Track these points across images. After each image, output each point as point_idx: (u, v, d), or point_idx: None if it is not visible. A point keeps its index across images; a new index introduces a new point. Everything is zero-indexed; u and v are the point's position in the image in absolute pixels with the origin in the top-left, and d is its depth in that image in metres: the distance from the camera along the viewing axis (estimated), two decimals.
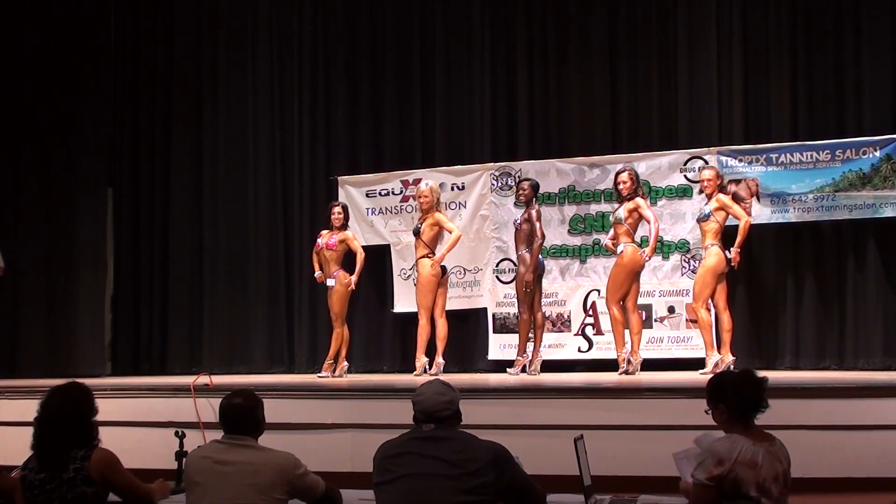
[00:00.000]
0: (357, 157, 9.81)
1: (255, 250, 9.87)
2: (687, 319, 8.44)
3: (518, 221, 8.13)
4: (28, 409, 4.09)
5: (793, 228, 8.42)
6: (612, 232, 7.98)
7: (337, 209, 8.51)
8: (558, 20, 9.37)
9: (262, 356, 9.69)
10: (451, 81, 9.59)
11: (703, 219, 7.69)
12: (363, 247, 8.63)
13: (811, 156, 8.22)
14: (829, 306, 8.35)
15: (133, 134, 10.16)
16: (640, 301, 8.02)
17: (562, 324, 8.87)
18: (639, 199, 7.75)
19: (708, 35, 8.90)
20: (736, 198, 8.10)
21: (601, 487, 4.27)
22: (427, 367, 8.08)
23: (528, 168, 8.96)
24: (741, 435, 3.56)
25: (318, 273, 8.49)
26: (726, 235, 7.64)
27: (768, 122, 8.72)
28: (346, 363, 8.46)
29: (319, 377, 8.32)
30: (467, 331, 9.21)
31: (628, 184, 7.74)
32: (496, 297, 9.08)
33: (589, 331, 8.80)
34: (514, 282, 8.39)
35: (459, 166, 9.29)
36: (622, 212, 7.78)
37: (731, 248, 7.55)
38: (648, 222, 7.69)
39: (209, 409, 6.17)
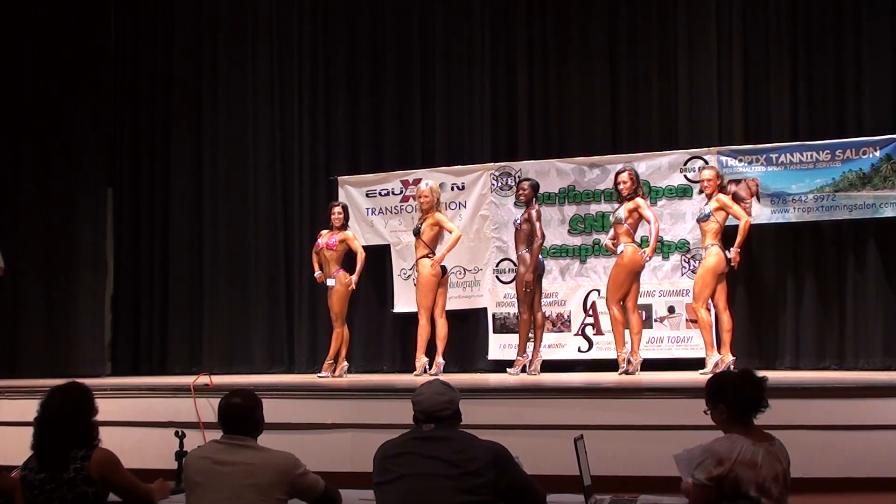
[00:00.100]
0: (357, 157, 9.81)
1: (255, 250, 9.87)
2: (687, 319, 8.44)
3: (518, 221, 8.13)
4: (28, 409, 4.09)
5: (793, 228, 8.42)
6: (612, 232, 7.98)
7: (337, 209, 8.51)
8: (558, 20, 9.37)
9: (262, 356, 9.69)
10: (451, 81, 9.59)
11: (703, 219, 7.69)
12: (363, 247, 8.63)
13: (811, 156, 8.22)
14: (829, 306, 8.35)
15: (133, 134, 10.16)
16: (640, 301, 8.02)
17: (562, 324, 8.87)
18: (639, 199, 7.75)
19: (708, 35, 8.90)
20: (736, 198, 8.10)
21: (601, 487, 4.27)
22: (427, 367, 8.08)
23: (528, 168, 8.96)
24: (741, 435, 3.56)
25: (317, 273, 8.49)
26: (726, 235, 7.64)
27: (768, 122, 8.72)
28: (346, 363, 8.46)
29: (319, 377, 8.32)
30: (467, 331, 9.21)
31: (628, 184, 7.74)
32: (496, 297, 9.08)
33: (589, 331, 8.80)
34: (514, 282, 8.39)
35: (459, 166, 9.29)
36: (622, 212, 7.78)
37: (731, 248, 7.54)
38: (648, 222, 7.69)
39: (209, 409, 6.16)
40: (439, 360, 8.13)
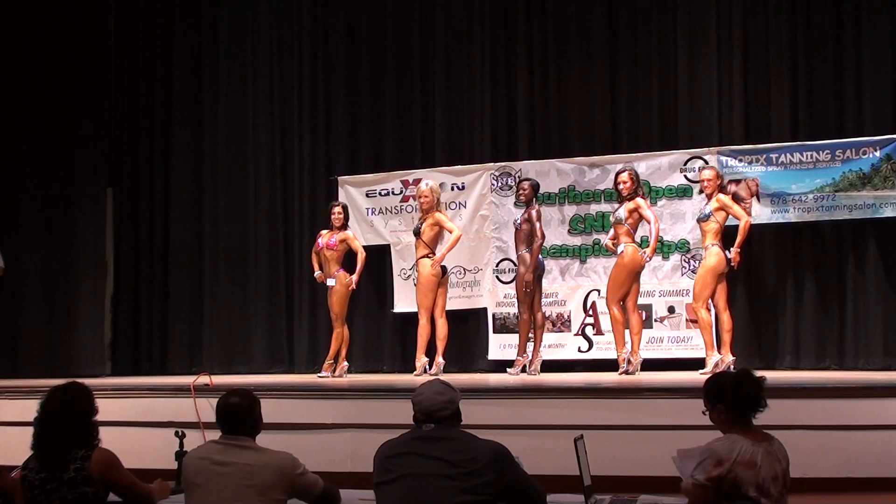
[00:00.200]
0: (357, 157, 9.81)
1: (255, 250, 9.87)
2: (687, 319, 8.44)
3: (518, 221, 8.13)
4: (28, 409, 4.09)
5: (793, 228, 8.42)
6: (612, 232, 7.98)
7: (337, 209, 8.51)
8: (558, 20, 9.38)
9: (262, 356, 9.69)
10: (451, 81, 9.59)
11: (703, 219, 7.69)
12: (363, 247, 8.62)
13: (811, 156, 8.22)
14: (829, 306, 8.35)
15: (133, 134, 10.17)
16: (640, 301, 8.01)
17: (562, 324, 8.87)
18: (639, 200, 7.75)
19: (708, 35, 8.91)
20: (736, 198, 8.11)
21: (601, 487, 4.27)
22: (427, 367, 8.08)
23: (528, 168, 8.96)
24: (740, 435, 3.56)
25: (317, 273, 8.49)
26: (726, 235, 7.64)
27: (768, 122, 8.73)
28: (346, 363, 8.46)
29: (319, 377, 8.32)
30: (467, 331, 9.21)
31: (628, 184, 7.74)
32: (496, 297, 9.08)
33: (589, 331, 8.80)
34: (514, 282, 8.39)
35: (459, 166, 9.29)
36: (622, 212, 7.77)
37: (731, 248, 7.54)
38: (649, 222, 7.69)
39: (209, 409, 6.13)
40: (439, 360, 8.13)
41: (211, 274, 9.91)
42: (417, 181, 8.87)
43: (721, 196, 7.70)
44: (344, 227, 8.49)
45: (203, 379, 7.05)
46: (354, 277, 8.36)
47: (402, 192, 9.35)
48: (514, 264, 8.44)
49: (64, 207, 9.74)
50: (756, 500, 3.47)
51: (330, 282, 8.36)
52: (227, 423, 3.77)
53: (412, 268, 8.72)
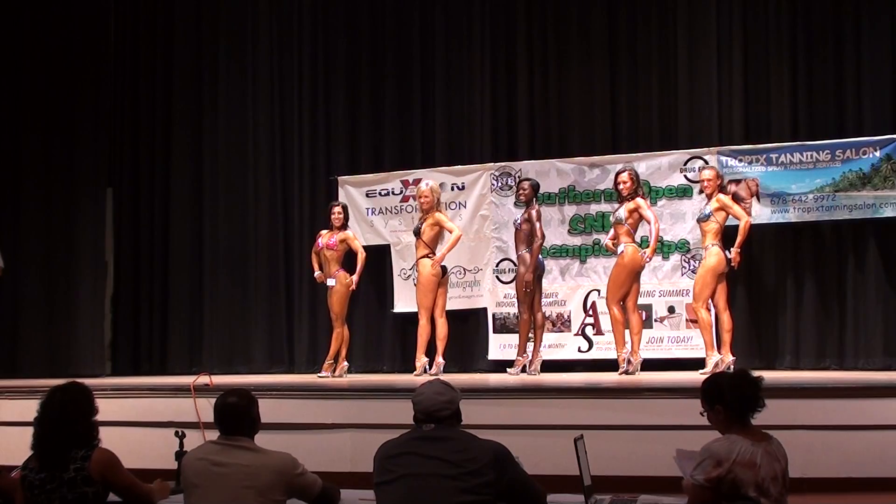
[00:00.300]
0: (357, 157, 9.81)
1: (255, 250, 9.87)
2: (687, 319, 8.44)
3: (518, 221, 8.13)
4: (28, 409, 4.09)
5: (793, 228, 8.42)
6: (612, 232, 7.98)
7: (337, 209, 8.51)
8: (558, 20, 9.37)
9: (262, 356, 9.69)
10: (451, 81, 9.59)
11: (703, 219, 7.69)
12: (363, 247, 8.62)
13: (811, 156, 8.22)
14: (829, 306, 8.35)
15: (133, 134, 10.16)
16: (640, 301, 8.01)
17: (562, 324, 8.87)
18: (639, 200, 7.75)
19: (708, 35, 8.90)
20: (736, 198, 8.10)
21: (601, 487, 4.27)
22: (427, 367, 8.08)
23: (528, 168, 8.96)
24: (739, 435, 3.56)
25: (317, 273, 8.49)
26: (726, 235, 7.64)
27: (768, 122, 8.72)
28: (346, 363, 8.46)
29: (319, 377, 8.32)
30: (467, 331, 9.21)
31: (628, 184, 7.74)
32: (496, 297, 9.08)
33: (589, 331, 8.80)
34: (514, 282, 8.39)
35: (459, 166, 9.29)
36: (622, 212, 7.77)
37: (731, 249, 7.54)
38: (649, 223, 7.68)
39: (209, 409, 6.11)
40: (439, 360, 8.13)
41: (211, 274, 9.90)
42: (417, 181, 8.87)
43: (721, 196, 7.69)
44: (344, 227, 8.49)
45: (203, 379, 7.05)
46: (354, 278, 8.36)
47: (402, 192, 9.35)
48: (514, 264, 8.44)
49: (64, 207, 9.75)
50: (756, 500, 3.47)
51: (330, 282, 8.36)
52: (224, 423, 3.77)
53: (412, 268, 8.72)
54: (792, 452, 3.69)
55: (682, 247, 8.60)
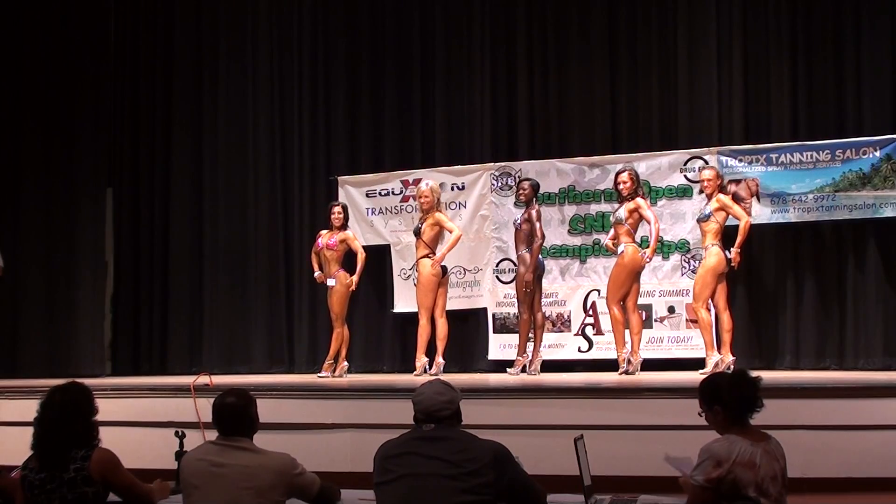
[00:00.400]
0: (357, 157, 9.81)
1: (255, 250, 9.87)
2: (687, 319, 8.44)
3: (518, 221, 8.13)
4: (28, 409, 4.08)
5: (793, 228, 8.42)
6: (612, 232, 7.98)
7: (337, 209, 8.51)
8: (558, 20, 9.37)
9: (262, 356, 9.69)
10: (451, 82, 9.59)
11: (703, 219, 7.69)
12: (363, 247, 8.62)
13: (811, 156, 8.22)
14: (829, 306, 8.35)
15: (133, 134, 10.17)
16: (640, 301, 8.01)
17: (562, 324, 8.87)
18: (639, 200, 7.75)
19: (708, 35, 8.90)
20: (736, 198, 8.10)
21: (601, 487, 4.27)
22: (427, 367, 8.08)
23: (528, 168, 8.96)
24: (738, 436, 3.56)
25: (317, 273, 8.49)
26: (726, 235, 7.64)
27: (768, 122, 8.72)
28: (346, 363, 8.46)
29: (319, 377, 8.32)
30: (467, 331, 9.21)
31: (628, 184, 7.74)
32: (496, 297, 9.08)
33: (589, 331, 8.80)
34: (514, 282, 8.39)
35: (459, 166, 9.29)
36: (622, 212, 7.77)
37: (731, 248, 7.54)
38: (649, 223, 7.68)
39: (209, 409, 6.13)
40: (439, 360, 8.13)
41: (211, 274, 9.90)
42: (417, 181, 8.87)
43: (721, 196, 7.69)
44: (344, 227, 8.49)
45: (203, 379, 7.04)
46: (354, 278, 8.36)
47: (402, 192, 9.35)
48: (514, 264, 8.44)
49: (64, 207, 9.75)
50: (755, 500, 3.47)
51: (330, 282, 8.36)
52: (223, 423, 3.77)
53: (412, 268, 8.72)
54: (792, 452, 3.69)
55: (682, 247, 8.60)
